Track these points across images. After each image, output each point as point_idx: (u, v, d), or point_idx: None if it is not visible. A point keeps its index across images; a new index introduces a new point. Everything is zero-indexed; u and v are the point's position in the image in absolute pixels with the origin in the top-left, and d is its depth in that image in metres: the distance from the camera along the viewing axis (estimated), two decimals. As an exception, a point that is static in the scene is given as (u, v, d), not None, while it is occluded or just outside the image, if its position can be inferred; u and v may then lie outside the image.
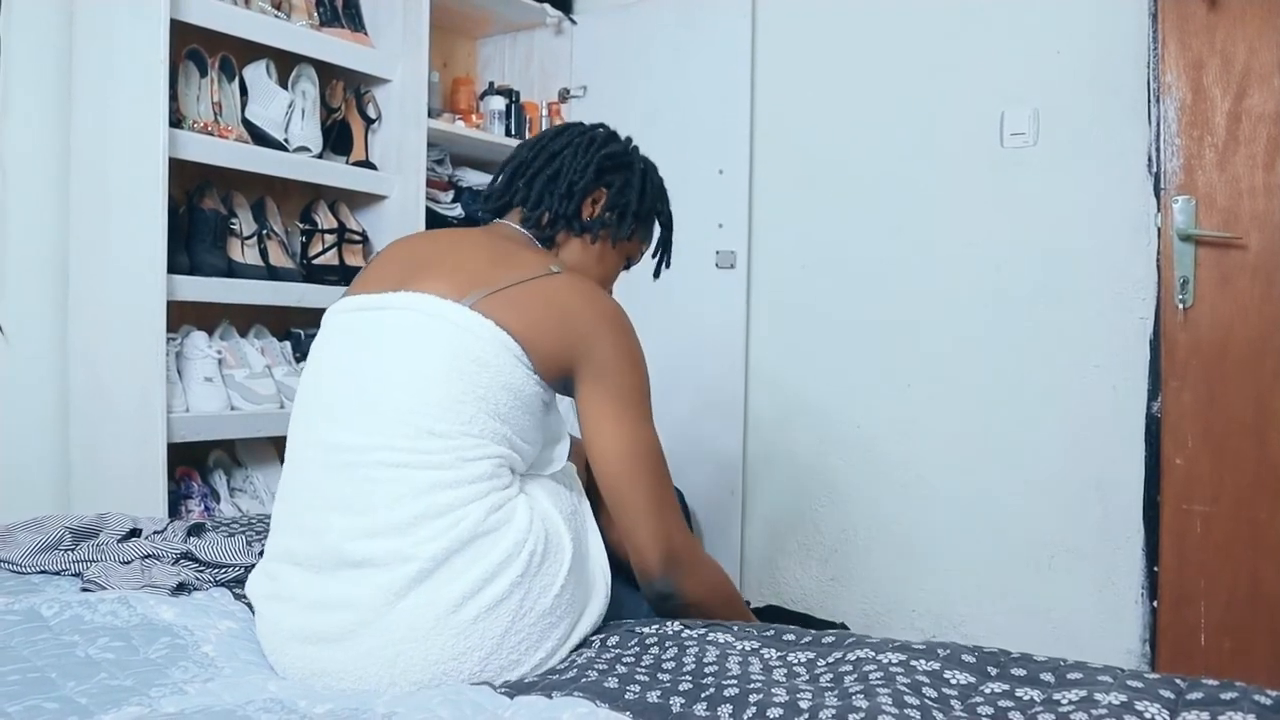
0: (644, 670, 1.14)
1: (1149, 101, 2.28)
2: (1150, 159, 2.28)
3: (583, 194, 1.44)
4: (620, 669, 1.14)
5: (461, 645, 1.13)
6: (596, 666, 1.16)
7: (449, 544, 1.14)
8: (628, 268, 1.58)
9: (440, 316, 1.22)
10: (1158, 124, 2.26)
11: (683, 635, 1.24)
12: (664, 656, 1.18)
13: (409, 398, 1.19)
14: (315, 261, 2.59)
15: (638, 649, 1.22)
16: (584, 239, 1.46)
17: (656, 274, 1.61)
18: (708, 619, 1.33)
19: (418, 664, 1.12)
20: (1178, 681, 1.02)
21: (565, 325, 1.26)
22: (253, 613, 1.31)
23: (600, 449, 1.28)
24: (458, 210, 2.97)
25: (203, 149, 2.23)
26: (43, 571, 1.39)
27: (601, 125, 1.52)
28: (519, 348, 1.22)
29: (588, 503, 1.38)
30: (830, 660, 1.15)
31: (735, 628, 1.27)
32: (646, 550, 1.29)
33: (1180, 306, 2.25)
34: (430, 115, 2.74)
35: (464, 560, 1.14)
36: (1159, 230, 2.27)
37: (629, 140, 1.54)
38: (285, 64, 2.51)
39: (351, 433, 1.20)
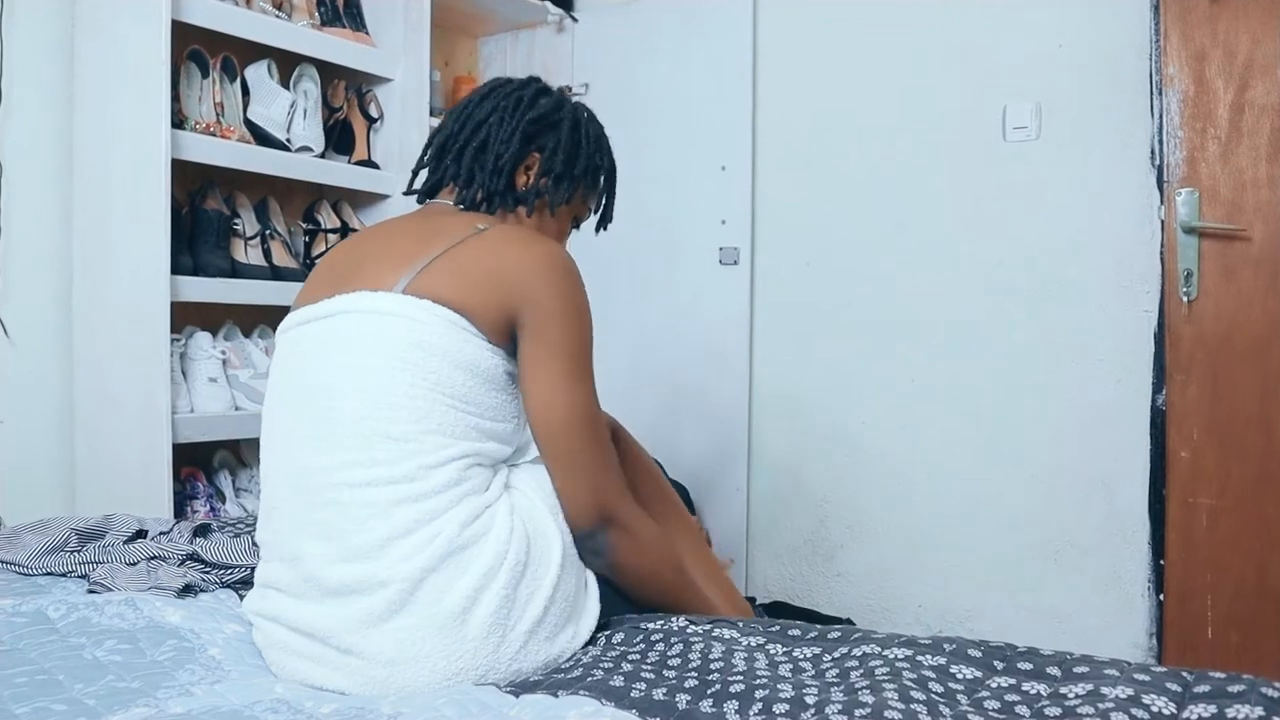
0: (649, 667, 1.13)
1: (1151, 94, 2.27)
2: (1153, 152, 2.27)
3: (513, 164, 1.36)
4: (626, 666, 1.14)
5: (455, 665, 1.10)
6: (602, 664, 1.16)
7: (424, 563, 1.10)
8: (576, 227, 1.50)
9: (375, 311, 1.18)
10: (1160, 116, 2.26)
11: (688, 631, 1.24)
12: (669, 653, 1.18)
13: (358, 404, 1.14)
14: (319, 261, 2.59)
15: (643, 646, 1.22)
16: (520, 210, 1.38)
17: (597, 230, 1.51)
18: (644, 588, 1.32)
19: (413, 683, 1.10)
20: (1184, 674, 1.02)
21: (502, 279, 1.20)
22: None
23: (537, 405, 1.21)
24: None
25: (205, 150, 2.23)
26: (49, 573, 1.40)
27: (532, 80, 1.43)
28: (462, 319, 1.17)
29: None
30: (836, 655, 1.15)
31: (740, 624, 1.27)
32: (578, 503, 1.24)
33: (1184, 299, 2.24)
34: (432, 114, 2.74)
35: (442, 580, 1.10)
36: (1162, 223, 2.26)
37: (560, 93, 1.44)
38: (287, 64, 2.51)
39: (312, 453, 1.16)
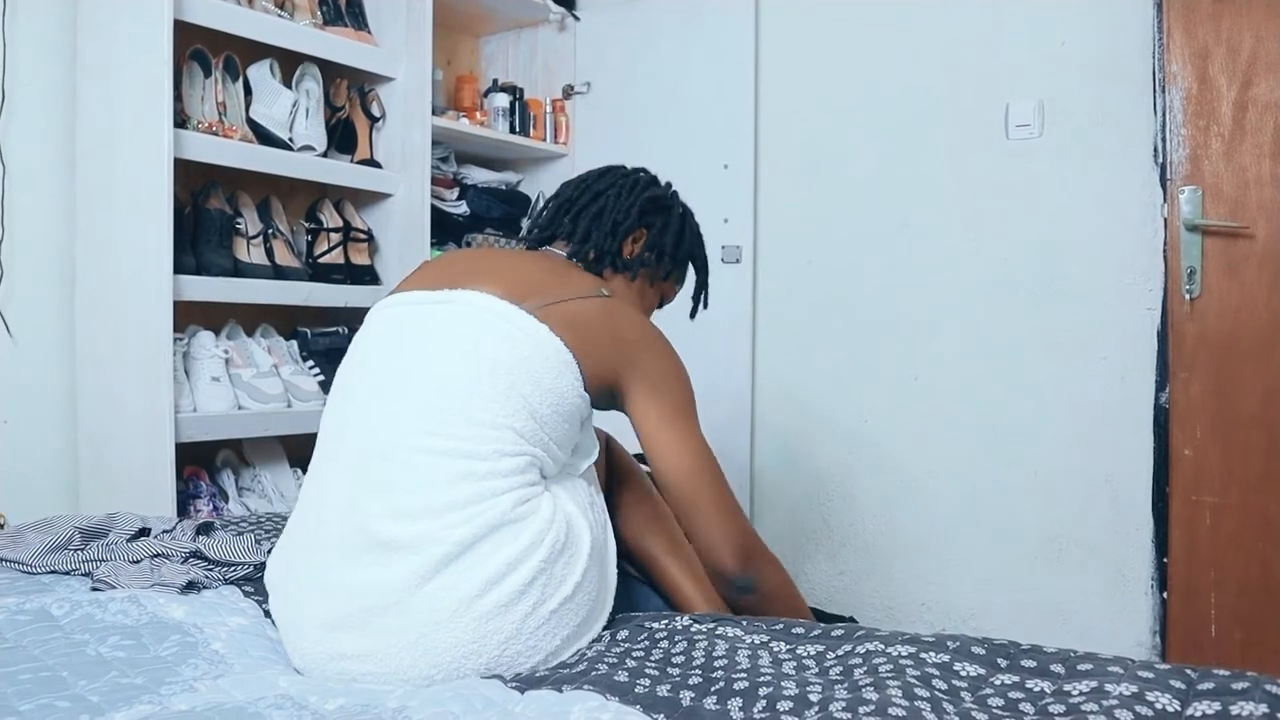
0: (654, 664, 1.14)
1: (1154, 92, 2.27)
2: (1156, 149, 2.27)
3: (626, 233, 1.50)
4: (630, 663, 1.14)
5: (482, 629, 1.13)
6: (606, 660, 1.16)
7: (476, 530, 1.15)
8: (661, 306, 1.65)
9: (498, 314, 1.25)
10: (1163, 114, 2.26)
11: (692, 630, 1.24)
12: (673, 650, 1.18)
13: (457, 384, 1.21)
14: (321, 260, 2.59)
15: (647, 643, 1.22)
16: (625, 275, 1.52)
17: (693, 314, 1.70)
18: (777, 613, 1.37)
19: (438, 648, 1.12)
20: (1188, 672, 1.02)
21: (616, 343, 1.31)
22: (263, 609, 1.32)
23: (665, 458, 1.34)
24: (463, 208, 2.98)
25: (208, 149, 2.23)
26: (53, 571, 1.40)
27: (643, 170, 1.59)
28: (571, 358, 1.26)
29: (602, 498, 1.39)
30: (840, 653, 1.15)
31: (744, 622, 1.27)
32: (722, 548, 1.35)
33: (1187, 297, 2.24)
34: (434, 113, 2.74)
35: (489, 546, 1.15)
36: (1165, 221, 2.26)
37: (669, 185, 1.61)
38: (289, 63, 2.51)
39: (392, 415, 1.22)
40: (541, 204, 1.62)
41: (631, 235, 1.52)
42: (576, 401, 1.27)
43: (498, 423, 1.20)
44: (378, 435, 1.22)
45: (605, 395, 1.33)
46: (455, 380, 1.22)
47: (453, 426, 1.19)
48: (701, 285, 1.68)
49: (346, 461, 1.24)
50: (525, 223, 1.65)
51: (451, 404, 1.20)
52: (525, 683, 1.10)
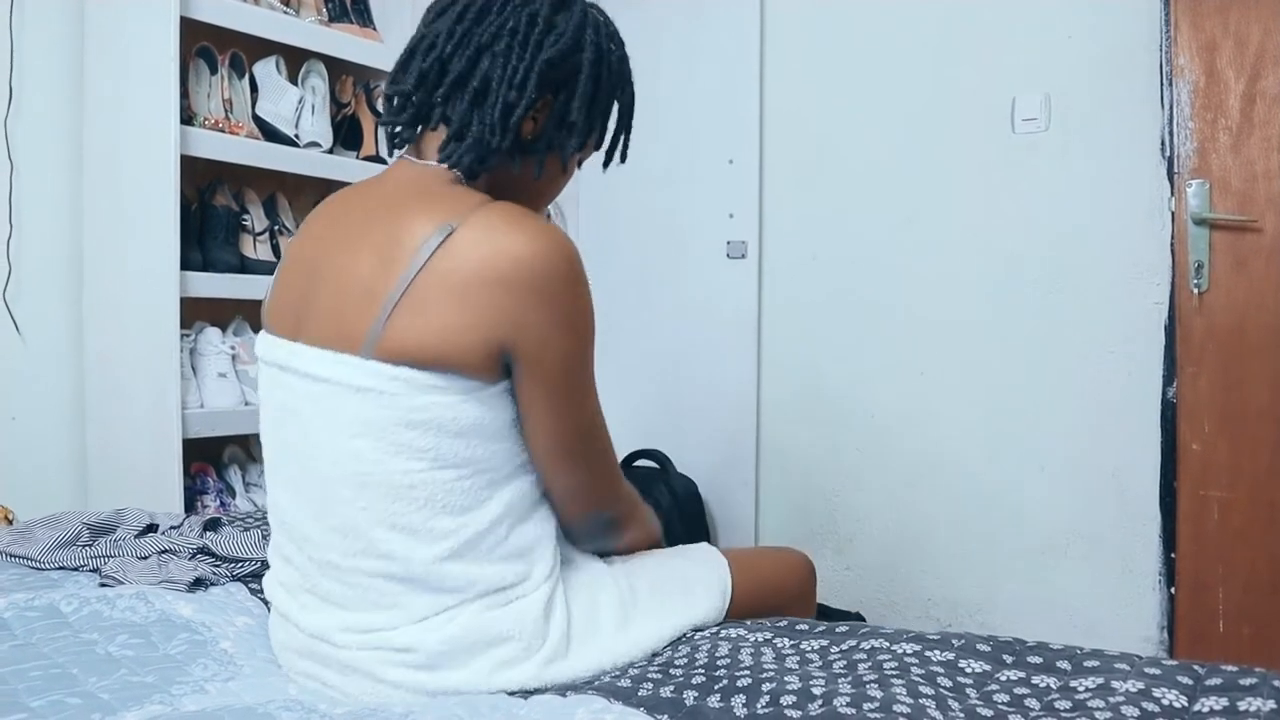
0: (656, 669, 1.13)
1: (1162, 85, 2.26)
2: (1163, 143, 2.26)
3: (522, 115, 1.09)
4: (633, 670, 1.13)
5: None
6: (609, 671, 1.15)
7: (445, 639, 1.06)
8: (579, 166, 1.26)
9: (346, 385, 1.02)
10: (1171, 107, 2.24)
11: (694, 637, 1.23)
12: (676, 656, 1.17)
13: (356, 495, 1.03)
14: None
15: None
16: (516, 160, 1.13)
17: (606, 165, 1.26)
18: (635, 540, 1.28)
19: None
20: (1196, 668, 1.02)
21: (482, 308, 1.00)
22: (269, 607, 1.32)
23: (531, 436, 1.08)
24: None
25: (214, 146, 2.23)
26: (61, 567, 1.40)
27: None
28: (444, 378, 1.00)
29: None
30: (844, 648, 1.15)
31: (749, 621, 1.27)
32: (573, 510, 1.16)
33: (1195, 291, 2.23)
34: (439, 109, 2.73)
35: (464, 647, 1.07)
36: (1173, 214, 2.25)
37: (579, 11, 1.14)
38: (295, 60, 2.51)
39: (313, 528, 1.08)
40: (401, 63, 1.14)
41: (530, 112, 1.10)
42: (493, 414, 1.04)
43: (420, 522, 1.03)
44: (307, 543, 1.09)
45: (506, 369, 1.04)
46: (357, 490, 1.03)
47: (376, 544, 1.03)
48: (624, 130, 1.24)
49: (296, 558, 1.13)
50: (383, 95, 1.19)
51: (365, 517, 1.03)
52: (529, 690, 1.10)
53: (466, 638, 1.06)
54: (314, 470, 1.07)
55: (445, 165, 1.10)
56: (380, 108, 1.19)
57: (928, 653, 1.10)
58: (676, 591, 1.23)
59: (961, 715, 0.95)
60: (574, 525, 1.18)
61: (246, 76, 2.42)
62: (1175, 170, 2.24)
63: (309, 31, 2.45)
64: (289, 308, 1.11)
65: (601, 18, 1.18)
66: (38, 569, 1.40)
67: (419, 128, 1.14)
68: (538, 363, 1.04)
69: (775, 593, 1.39)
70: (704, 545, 1.36)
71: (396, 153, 1.19)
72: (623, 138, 1.24)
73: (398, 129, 1.15)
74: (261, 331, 1.17)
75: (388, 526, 1.04)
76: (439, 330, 0.99)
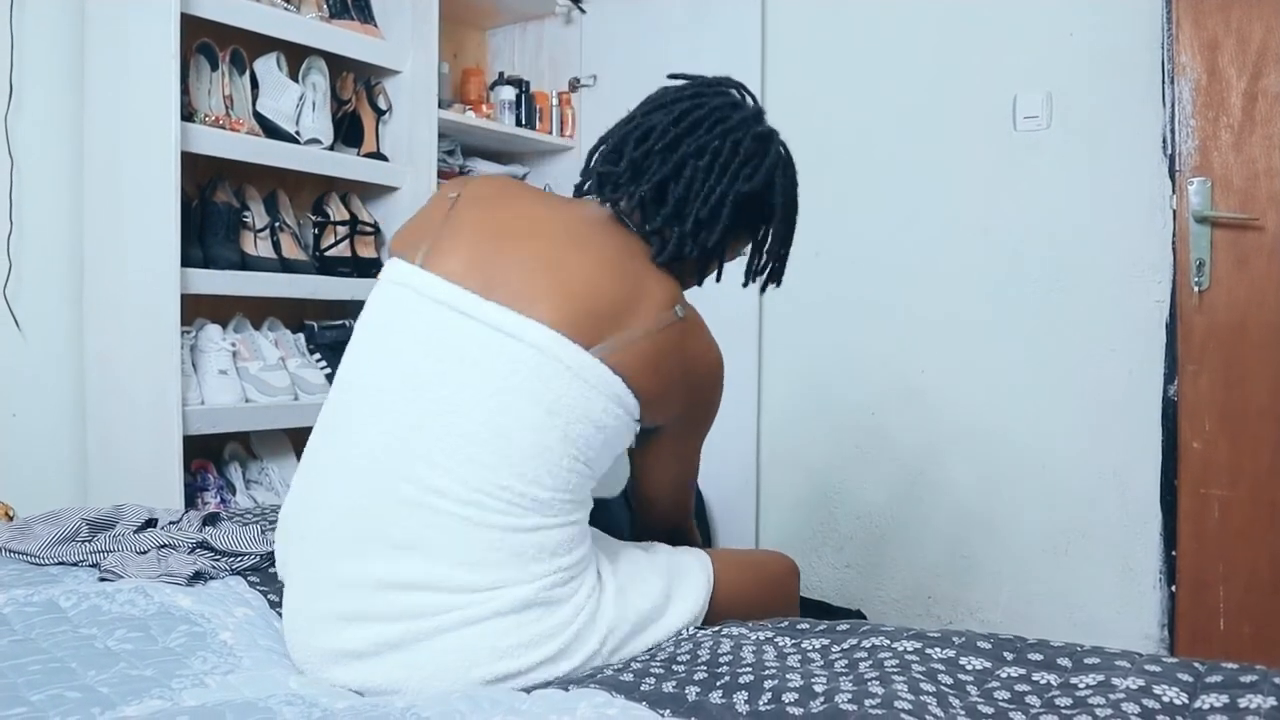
0: (659, 664, 1.13)
1: (1163, 83, 2.26)
2: (1165, 141, 2.26)
3: (718, 240, 1.25)
4: (635, 665, 1.14)
5: (491, 679, 1.10)
6: (611, 664, 1.16)
7: (501, 606, 1.09)
8: None
9: (563, 363, 1.10)
10: (1172, 105, 2.24)
11: (698, 634, 1.24)
12: (679, 651, 1.17)
13: (513, 450, 1.09)
14: (328, 253, 2.59)
15: (653, 647, 1.21)
16: (696, 261, 1.29)
17: (763, 290, 1.42)
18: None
19: (438, 685, 1.09)
20: (1196, 665, 1.01)
21: (688, 388, 1.21)
22: (268, 599, 1.32)
23: (657, 483, 1.34)
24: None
25: (214, 142, 2.23)
26: (61, 563, 1.40)
27: (746, 114, 1.27)
28: (638, 406, 1.16)
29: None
30: (845, 646, 1.15)
31: (750, 621, 1.27)
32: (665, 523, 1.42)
33: (1196, 289, 2.23)
34: (441, 106, 2.74)
35: (512, 622, 1.09)
36: (1174, 212, 2.25)
37: (775, 151, 1.29)
38: (295, 57, 2.51)
39: (429, 459, 1.09)
40: (615, 144, 1.29)
41: (715, 234, 1.25)
42: (627, 438, 1.19)
43: (547, 497, 1.10)
44: (402, 475, 1.10)
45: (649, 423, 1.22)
46: (508, 440, 1.09)
47: (497, 495, 1.08)
48: (784, 253, 1.38)
49: (360, 483, 1.12)
50: (595, 170, 1.30)
51: (500, 467, 1.08)
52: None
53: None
54: (467, 417, 1.10)
55: (638, 235, 1.25)
56: (590, 176, 1.30)
57: (929, 650, 1.10)
58: (658, 594, 1.25)
59: (962, 712, 0.95)
60: (662, 529, 1.42)
61: (247, 73, 2.42)
62: (1177, 168, 2.24)
63: (310, 28, 2.45)
64: (478, 267, 1.15)
65: (788, 157, 1.34)
66: (37, 564, 1.40)
67: (606, 190, 1.28)
68: (687, 424, 1.28)
69: (757, 598, 1.42)
70: (691, 549, 1.38)
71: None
72: (783, 261, 1.40)
73: (601, 197, 1.28)
74: (411, 265, 1.18)
75: (517, 490, 1.10)
76: (654, 376, 1.16)
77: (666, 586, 1.26)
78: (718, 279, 1.36)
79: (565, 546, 1.13)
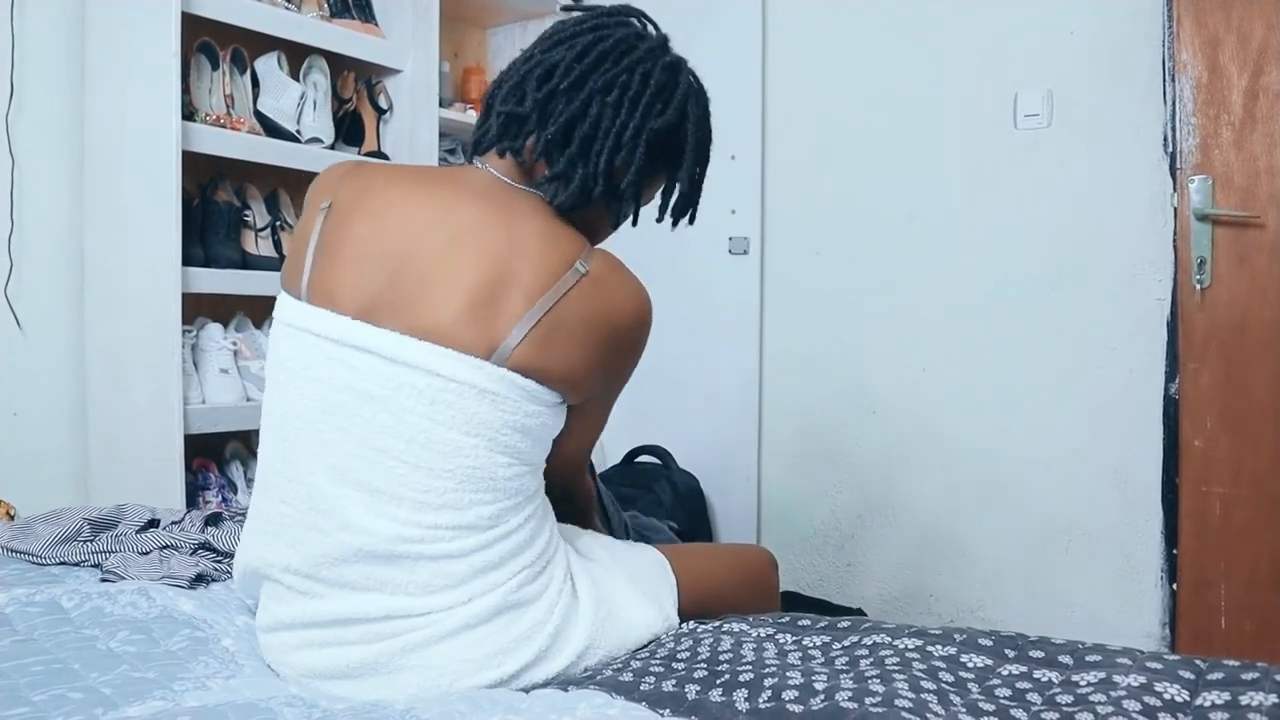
0: (659, 662, 1.13)
1: (1164, 80, 2.25)
2: (1166, 138, 2.26)
3: (624, 174, 1.17)
4: (635, 664, 1.13)
5: (476, 685, 1.09)
6: (611, 665, 1.16)
7: (472, 615, 1.07)
8: None
9: (461, 382, 1.05)
10: (1173, 103, 2.24)
11: (698, 630, 1.24)
12: (678, 649, 1.17)
13: (441, 479, 1.06)
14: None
15: (652, 645, 1.21)
16: (602, 203, 1.19)
17: (674, 225, 1.32)
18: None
19: (425, 694, 1.08)
20: (1198, 662, 1.01)
21: (607, 350, 1.13)
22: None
23: (569, 447, 1.22)
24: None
25: (215, 142, 2.23)
26: (62, 563, 1.40)
27: (652, 43, 1.20)
28: (558, 396, 1.11)
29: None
30: (846, 644, 1.15)
31: (750, 618, 1.27)
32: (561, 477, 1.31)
33: (1197, 287, 2.23)
34: (441, 105, 2.74)
35: (486, 630, 1.08)
36: (1175, 210, 2.25)
37: (685, 81, 1.22)
38: (296, 56, 2.51)
39: (368, 515, 1.06)
40: (514, 84, 1.18)
41: (629, 174, 1.17)
42: (559, 422, 1.14)
43: (493, 511, 1.08)
44: (340, 524, 1.07)
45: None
46: (434, 472, 1.05)
47: (441, 526, 1.06)
48: (696, 189, 1.29)
49: (300, 536, 1.09)
50: (494, 111, 1.19)
51: (434, 499, 1.05)
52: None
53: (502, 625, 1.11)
54: (385, 453, 1.06)
55: (538, 195, 1.17)
56: (491, 120, 1.19)
57: (930, 647, 1.10)
58: (626, 601, 1.24)
59: (963, 710, 0.95)
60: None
61: (248, 72, 2.42)
62: (1177, 166, 2.24)
63: (311, 27, 2.45)
64: (360, 288, 1.09)
65: (698, 86, 1.26)
66: (39, 564, 1.40)
67: (518, 148, 1.17)
68: (608, 394, 1.21)
69: (733, 590, 1.41)
70: (647, 548, 1.35)
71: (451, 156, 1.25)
72: (695, 198, 1.30)
73: (503, 144, 1.18)
74: (297, 301, 1.13)
75: (460, 516, 1.07)
76: (566, 359, 1.09)
77: (633, 582, 1.25)
78: (634, 223, 1.27)
79: (525, 543, 1.11)
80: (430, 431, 1.05)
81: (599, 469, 2.57)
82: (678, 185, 1.25)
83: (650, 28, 1.25)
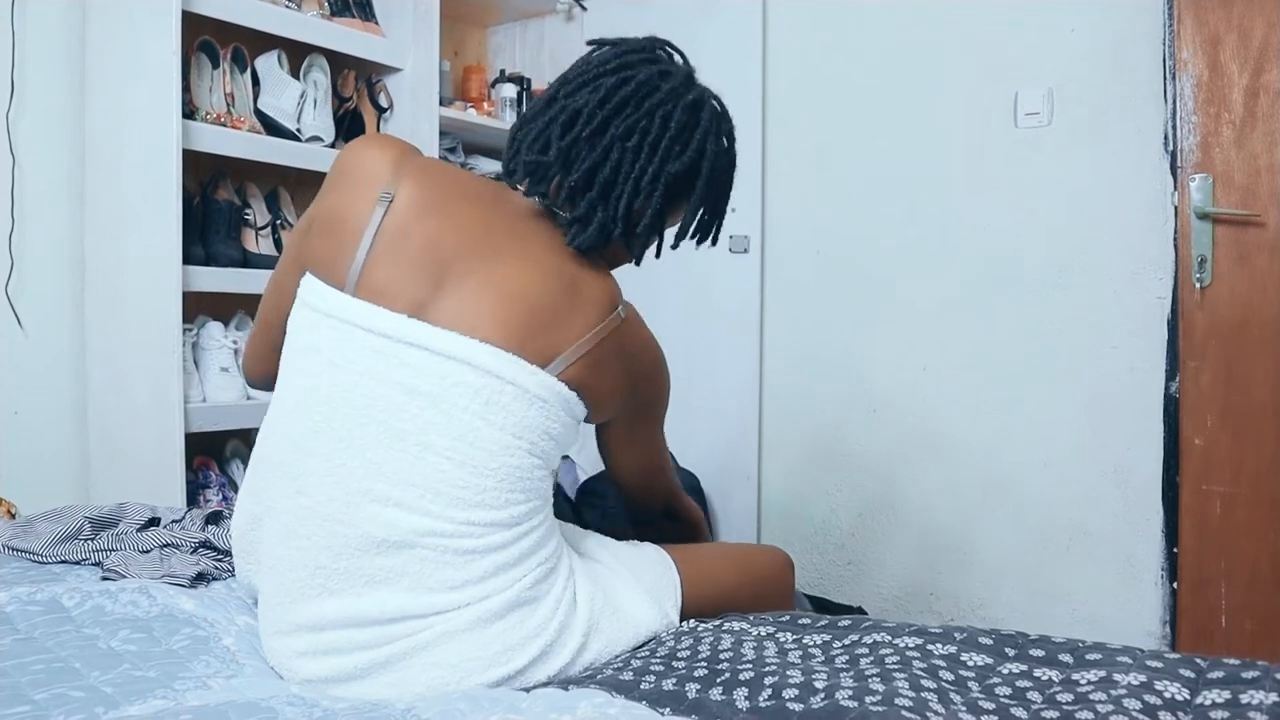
0: (659, 661, 1.13)
1: (1165, 79, 2.25)
2: (1167, 137, 2.26)
3: (648, 225, 1.22)
4: (635, 663, 1.14)
5: (480, 683, 1.10)
6: (611, 664, 1.16)
7: (483, 613, 1.09)
8: None
9: (516, 385, 1.09)
10: (1174, 101, 2.24)
11: (698, 629, 1.24)
12: (679, 648, 1.17)
13: (482, 477, 1.08)
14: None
15: (653, 643, 1.22)
16: (623, 242, 1.25)
17: (698, 245, 1.35)
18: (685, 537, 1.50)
19: (430, 692, 1.08)
20: (1198, 661, 1.02)
21: (632, 384, 1.23)
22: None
23: (624, 469, 1.37)
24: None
25: (216, 140, 2.23)
26: (63, 561, 1.41)
27: (673, 86, 1.21)
28: (586, 410, 1.19)
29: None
30: (847, 642, 1.15)
31: (751, 616, 1.27)
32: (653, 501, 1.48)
33: (1198, 286, 2.23)
34: (442, 104, 2.74)
35: (498, 628, 1.09)
36: (1176, 209, 2.25)
37: (707, 118, 1.23)
38: (296, 54, 2.51)
39: (399, 510, 1.07)
40: (539, 130, 1.21)
41: (646, 217, 1.22)
42: (574, 436, 1.20)
43: (522, 511, 1.11)
44: (367, 516, 1.07)
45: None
46: (477, 470, 1.08)
47: (473, 522, 1.08)
48: (718, 215, 1.32)
49: (318, 527, 1.09)
50: (520, 160, 1.22)
51: (473, 496, 1.08)
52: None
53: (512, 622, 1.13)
54: (428, 448, 1.08)
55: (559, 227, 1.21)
56: (519, 163, 1.22)
57: (930, 646, 1.10)
58: (630, 585, 1.26)
59: (964, 708, 0.95)
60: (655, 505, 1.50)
61: (248, 71, 2.42)
62: (1178, 164, 2.24)
63: (311, 26, 2.45)
64: (415, 288, 1.11)
65: (721, 112, 1.28)
66: (40, 563, 1.40)
67: (544, 192, 1.22)
68: (637, 414, 1.29)
69: (745, 591, 1.42)
70: (650, 547, 1.36)
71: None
72: (716, 223, 1.33)
73: (530, 189, 1.22)
74: (339, 292, 1.12)
75: (494, 514, 1.10)
76: (604, 383, 1.17)
77: (635, 581, 1.26)
78: (657, 255, 1.33)
79: (541, 541, 1.15)
80: (480, 430, 1.08)
81: (586, 474, 2.59)
82: (698, 216, 1.28)
83: (677, 58, 1.28)
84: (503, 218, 1.19)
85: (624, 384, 1.21)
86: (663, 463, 1.42)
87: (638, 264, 1.33)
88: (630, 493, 1.44)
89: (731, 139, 1.31)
